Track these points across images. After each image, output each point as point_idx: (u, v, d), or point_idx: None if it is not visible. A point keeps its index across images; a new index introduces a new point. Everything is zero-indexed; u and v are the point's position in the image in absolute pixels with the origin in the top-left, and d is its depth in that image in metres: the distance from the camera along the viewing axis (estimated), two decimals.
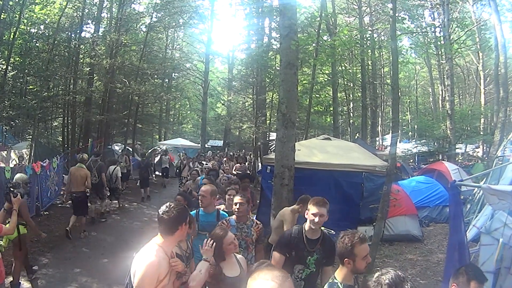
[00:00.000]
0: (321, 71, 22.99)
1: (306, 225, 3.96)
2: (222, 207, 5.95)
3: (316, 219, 3.83)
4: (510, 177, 6.54)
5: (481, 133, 28.55)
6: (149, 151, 23.53)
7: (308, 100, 20.16)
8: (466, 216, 11.12)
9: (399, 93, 7.73)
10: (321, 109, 26.63)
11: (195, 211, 5.38)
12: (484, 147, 27.51)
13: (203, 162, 16.15)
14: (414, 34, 20.54)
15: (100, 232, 10.56)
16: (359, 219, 10.04)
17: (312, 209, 3.87)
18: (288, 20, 8.08)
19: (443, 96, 29.31)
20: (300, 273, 3.92)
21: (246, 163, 17.34)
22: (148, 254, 2.96)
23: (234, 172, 15.68)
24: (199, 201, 5.38)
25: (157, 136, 36.30)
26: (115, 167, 13.49)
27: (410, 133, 36.52)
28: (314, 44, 15.87)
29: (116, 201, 14.00)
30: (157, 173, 21.45)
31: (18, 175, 8.69)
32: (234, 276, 3.68)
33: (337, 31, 20.59)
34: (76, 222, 9.91)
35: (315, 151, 11.09)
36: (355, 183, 10.11)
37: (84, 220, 10.31)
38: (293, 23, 8.27)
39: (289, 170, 8.15)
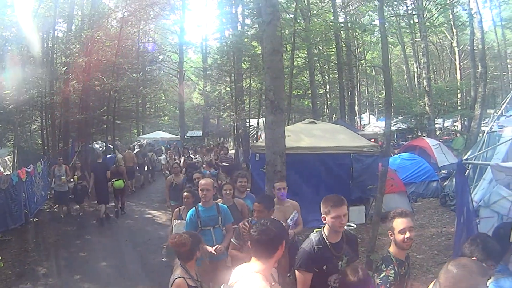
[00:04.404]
0: (297, 55, 22.99)
1: (326, 230, 3.49)
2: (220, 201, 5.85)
3: (343, 221, 3.40)
4: (504, 152, 6.69)
5: (459, 107, 29.07)
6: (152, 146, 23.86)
7: (287, 85, 20.22)
8: (454, 190, 11.43)
9: (377, 72, 7.69)
10: (299, 93, 26.73)
11: (194, 208, 5.33)
12: (463, 121, 28.05)
13: (191, 156, 15.84)
14: (399, 18, 20.56)
15: (94, 234, 10.39)
16: (350, 199, 10.18)
17: (333, 211, 3.37)
18: (271, 7, 8.02)
19: (419, 73, 29.65)
20: (336, 283, 3.41)
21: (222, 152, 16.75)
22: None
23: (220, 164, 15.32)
24: (201, 196, 5.28)
25: (135, 131, 35.76)
26: (152, 153, 19.68)
27: None
28: (287, 30, 15.83)
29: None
30: None
31: None
32: None
33: (310, 14, 20.59)
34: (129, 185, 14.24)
35: (302, 135, 11.15)
36: (344, 164, 10.28)
37: (131, 183, 15.27)
38: (275, 9, 8.22)
39: (281, 157, 8.15)
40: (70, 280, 7.33)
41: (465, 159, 4.72)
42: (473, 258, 2.85)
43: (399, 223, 3.21)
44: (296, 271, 3.45)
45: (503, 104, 10.90)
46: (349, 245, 3.59)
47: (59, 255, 8.54)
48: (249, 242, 2.71)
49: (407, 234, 3.19)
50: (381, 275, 3.12)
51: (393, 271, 3.13)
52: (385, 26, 7.26)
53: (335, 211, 3.34)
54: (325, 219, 3.43)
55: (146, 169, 18.99)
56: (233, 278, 2.71)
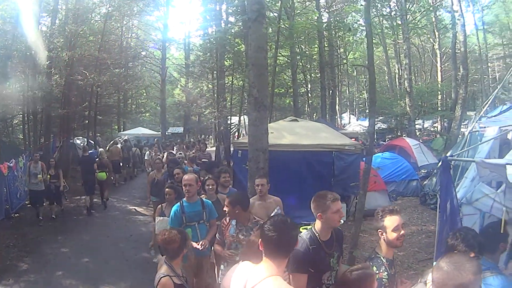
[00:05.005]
0: (280, 53, 23.11)
1: (318, 228, 3.35)
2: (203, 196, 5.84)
3: (342, 214, 3.37)
4: (486, 151, 6.82)
5: (439, 109, 29.51)
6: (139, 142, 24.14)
7: (270, 83, 20.31)
8: (434, 189, 11.65)
9: (373, 73, 7.74)
10: (281, 91, 26.89)
11: (178, 203, 5.32)
12: (442, 122, 28.50)
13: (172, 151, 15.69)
14: (382, 19, 20.79)
15: (75, 231, 10.25)
16: None
17: (334, 205, 3.24)
18: (257, 5, 8.02)
19: (400, 74, 29.99)
20: (329, 280, 3.35)
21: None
22: None
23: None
24: (185, 191, 5.27)
25: (116, 127, 35.34)
26: (136, 149, 20.57)
27: (367, 111, 37.21)
28: (271, 28, 15.89)
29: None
30: None
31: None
32: None
33: (294, 13, 20.71)
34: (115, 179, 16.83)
35: (284, 133, 11.17)
36: (326, 162, 10.26)
37: (117, 176, 17.55)
38: (261, 7, 8.23)
39: (264, 153, 8.12)
40: (53, 276, 7.26)
41: (450, 156, 4.80)
42: (455, 251, 2.93)
43: (392, 221, 3.13)
44: (290, 274, 3.20)
45: (484, 106, 11.11)
46: (338, 241, 3.53)
47: (41, 251, 8.47)
48: (261, 241, 2.46)
49: (401, 231, 3.14)
50: None
51: (386, 273, 3.10)
52: (371, 29, 7.34)
53: (336, 205, 3.25)
54: (321, 217, 3.29)
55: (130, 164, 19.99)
56: (244, 282, 2.40)
